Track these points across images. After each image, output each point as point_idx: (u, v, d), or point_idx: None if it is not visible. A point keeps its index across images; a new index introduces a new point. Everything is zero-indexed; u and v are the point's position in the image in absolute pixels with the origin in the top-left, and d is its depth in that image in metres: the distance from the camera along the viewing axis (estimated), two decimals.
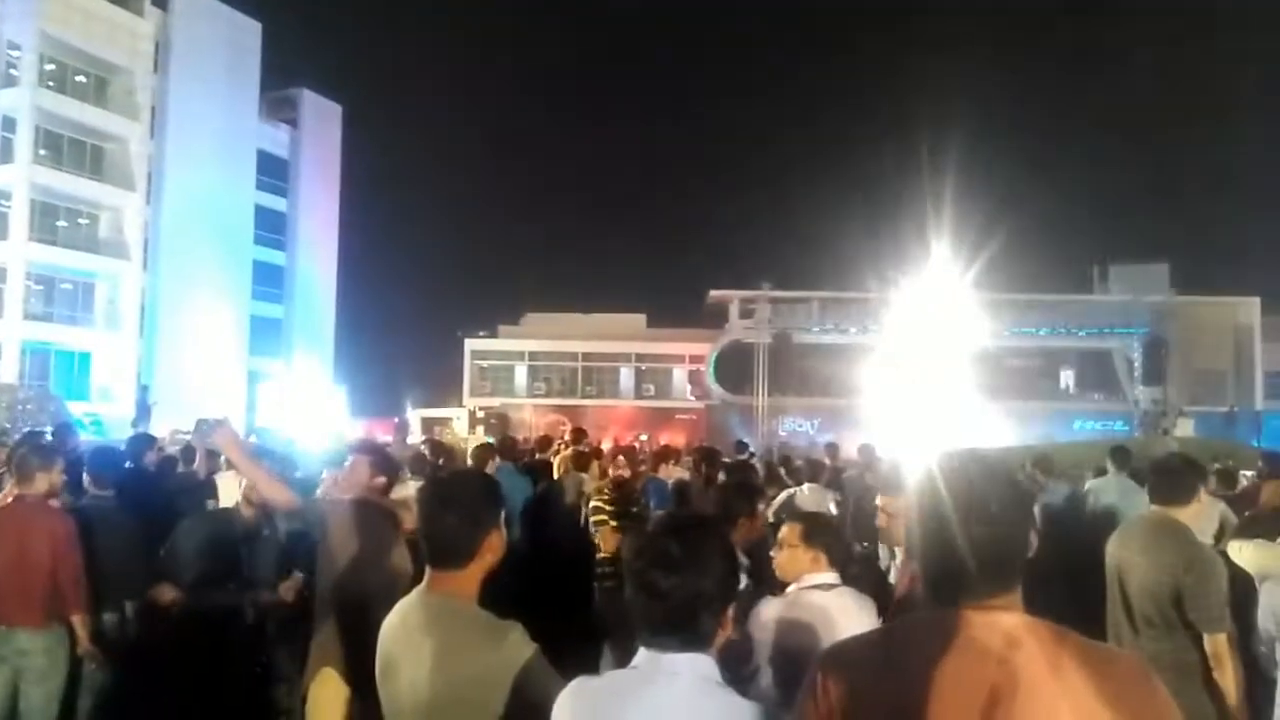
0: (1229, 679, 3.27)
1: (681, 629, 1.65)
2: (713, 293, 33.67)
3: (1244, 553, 3.80)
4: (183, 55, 33.18)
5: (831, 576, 2.93)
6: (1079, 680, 1.31)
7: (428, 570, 2.16)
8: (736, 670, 2.96)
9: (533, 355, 34.62)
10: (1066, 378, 34.18)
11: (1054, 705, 1.30)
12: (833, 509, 6.37)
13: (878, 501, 3.33)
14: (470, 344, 34.85)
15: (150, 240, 32.71)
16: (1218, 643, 3.28)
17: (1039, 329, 32.04)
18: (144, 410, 22.07)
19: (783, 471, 8.52)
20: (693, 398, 33.59)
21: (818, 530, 3.05)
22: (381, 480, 3.84)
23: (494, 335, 35.80)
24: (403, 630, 2.12)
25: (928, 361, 25.42)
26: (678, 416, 31.91)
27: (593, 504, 5.98)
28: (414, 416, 28.94)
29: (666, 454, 8.36)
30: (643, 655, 1.67)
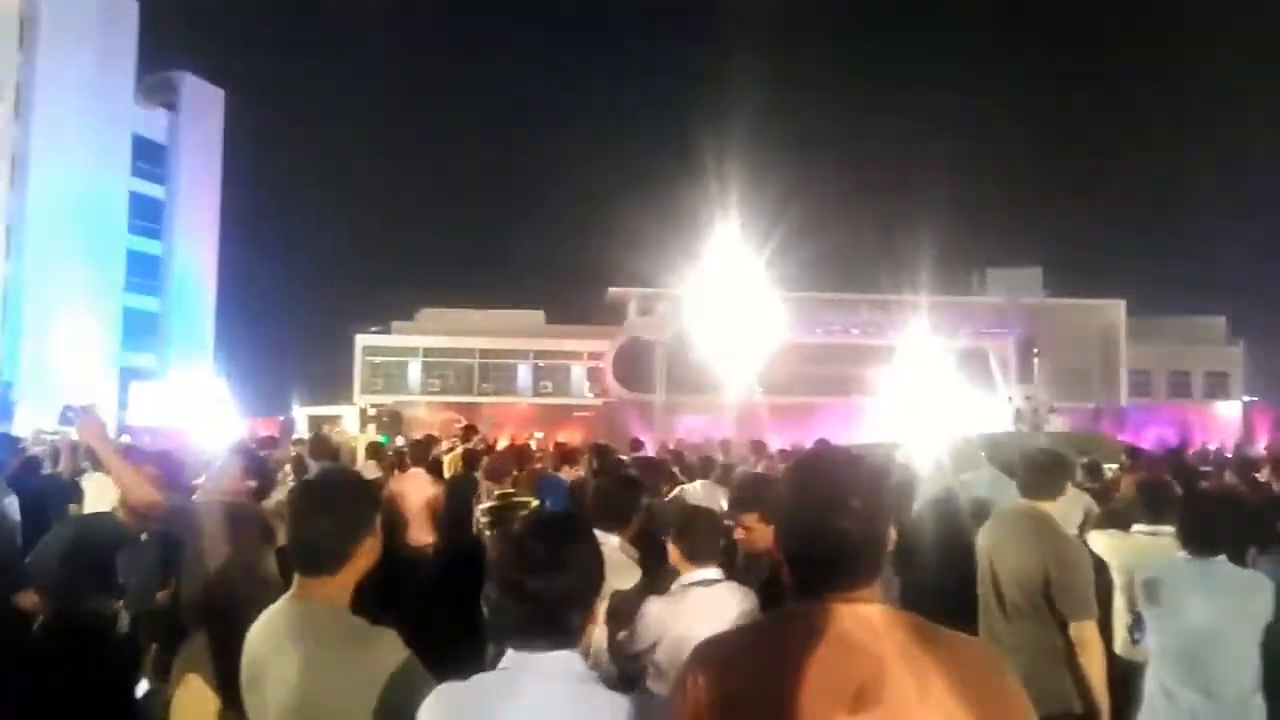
0: (1094, 663, 3.44)
1: (550, 629, 1.64)
2: (612, 290, 33.74)
3: (1099, 542, 4.02)
4: (51, 33, 31.21)
5: (714, 572, 2.95)
6: (935, 669, 1.36)
7: (296, 577, 2.08)
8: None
9: (428, 352, 33.91)
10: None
11: (912, 694, 1.34)
12: (724, 504, 6.44)
13: (740, 518, 3.38)
14: (362, 340, 33.88)
15: (13, 228, 30.68)
16: (1084, 629, 3.44)
17: (922, 329, 33.38)
18: (5, 408, 20.75)
19: (676, 469, 8.58)
20: (592, 395, 33.57)
21: (701, 526, 3.07)
22: (252, 483, 3.69)
23: (387, 331, 34.91)
24: (270, 638, 2.03)
25: (820, 358, 26.16)
26: (576, 414, 31.82)
27: (485, 505, 5.88)
28: (301, 414, 27.99)
29: (568, 454, 8.30)
30: (510, 657, 1.66)
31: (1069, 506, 5.59)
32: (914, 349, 27.69)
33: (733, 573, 3.18)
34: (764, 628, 1.54)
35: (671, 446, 13.05)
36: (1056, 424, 23.89)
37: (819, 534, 1.45)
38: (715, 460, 8.69)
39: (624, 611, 2.90)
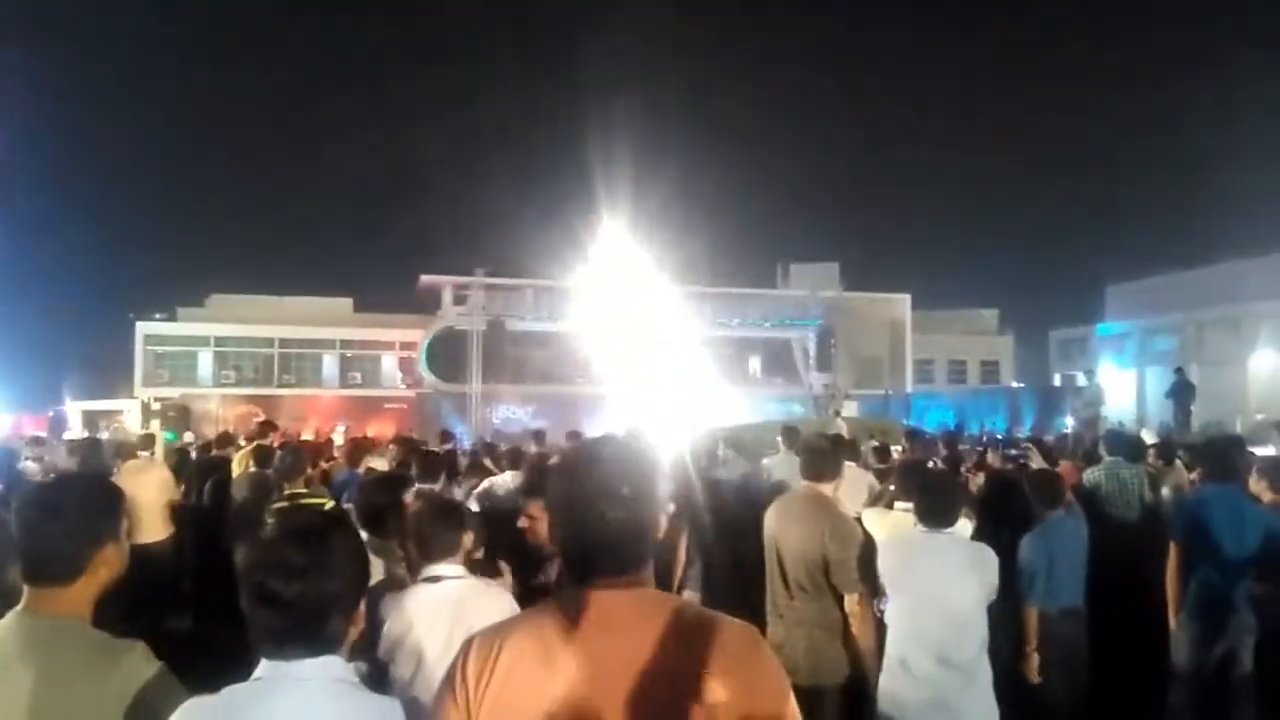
0: (865, 633, 3.68)
1: (308, 635, 1.57)
2: (424, 278, 32.77)
3: (868, 520, 4.32)
4: None
5: (451, 569, 2.91)
6: (696, 650, 1.41)
7: (26, 589, 1.88)
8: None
9: (220, 341, 31.59)
10: (754, 365, 37.25)
11: (673, 675, 1.39)
12: None
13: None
14: (144, 327, 31.10)
15: None
16: (854, 601, 3.68)
17: (732, 320, 34.70)
18: None
19: (488, 460, 8.46)
20: (404, 386, 32.51)
21: (438, 523, 3.01)
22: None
23: (173, 318, 32.27)
24: None
25: (633, 350, 26.58)
26: (387, 406, 30.68)
27: (278, 506, 5.56)
28: (73, 409, 25.47)
29: (364, 446, 7.99)
30: (265, 666, 1.57)
31: (855, 487, 6.00)
32: (701, 340, 28.66)
33: (524, 563, 3.17)
34: (532, 618, 1.54)
35: (488, 438, 12.90)
36: (851, 410, 25.46)
37: (590, 521, 1.47)
38: (526, 452, 8.65)
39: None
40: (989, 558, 3.57)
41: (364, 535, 3.56)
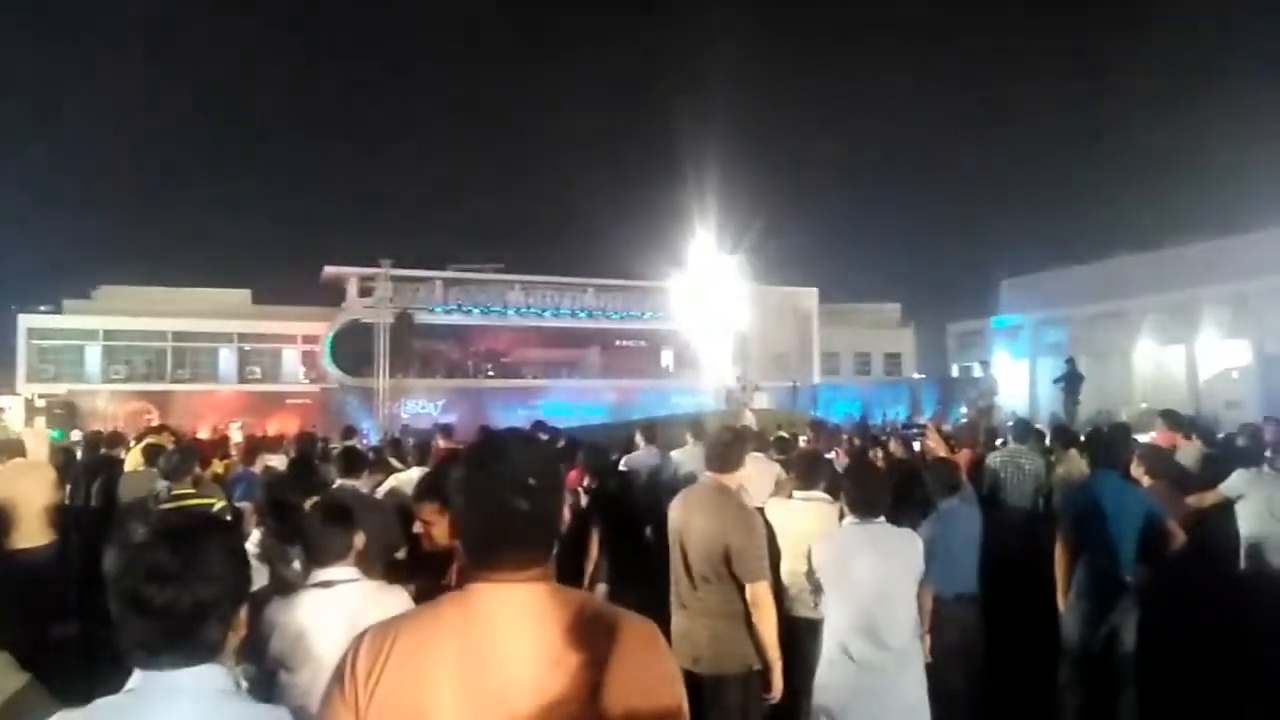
0: (767, 622, 3.71)
1: (183, 645, 1.49)
2: (328, 269, 31.78)
3: (769, 509, 4.37)
4: None
5: (344, 572, 2.82)
6: (591, 645, 1.41)
7: None
8: None
9: (109, 334, 29.97)
10: (667, 357, 37.49)
11: (567, 669, 1.39)
12: None
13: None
14: (26, 320, 29.28)
15: None
16: (757, 590, 3.70)
17: (644, 313, 34.80)
18: None
19: (393, 459, 8.25)
20: (307, 381, 31.50)
21: (327, 527, 2.91)
22: None
23: (58, 310, 30.51)
24: None
25: (547, 343, 26.44)
26: (289, 401, 29.67)
27: (164, 509, 5.29)
28: None
29: (261, 444, 7.68)
30: (138, 677, 1.48)
31: (763, 477, 6.06)
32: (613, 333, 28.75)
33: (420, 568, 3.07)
34: (427, 611, 1.51)
35: (396, 434, 12.57)
36: (762, 401, 25.86)
37: (494, 514, 1.46)
38: (434, 447, 8.46)
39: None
40: (916, 543, 3.76)
41: (256, 536, 3.43)
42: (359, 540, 2.85)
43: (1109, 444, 5.41)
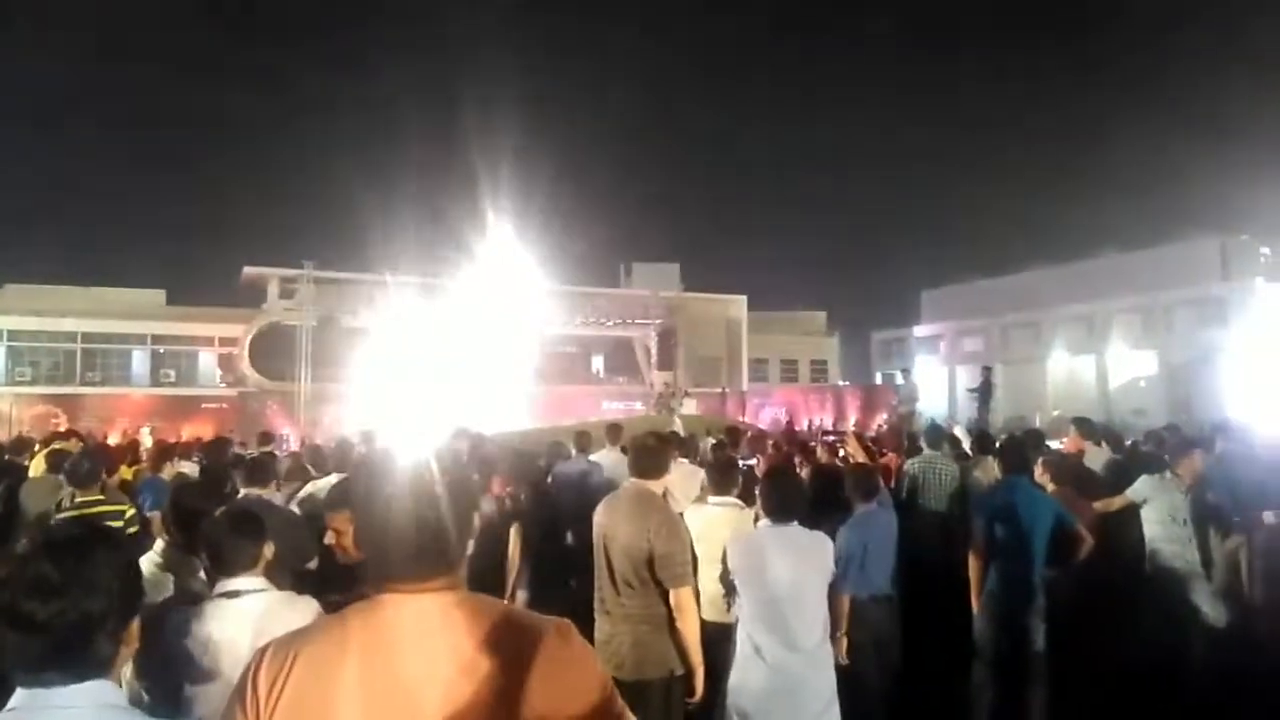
0: (690, 627, 3.72)
1: (70, 660, 1.42)
2: (248, 269, 30.91)
3: (686, 514, 4.39)
4: None
5: (251, 582, 2.74)
6: (503, 653, 1.38)
7: None
8: None
9: (13, 334, 28.59)
10: (598, 363, 37.48)
11: (479, 679, 1.35)
12: None
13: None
14: None
15: None
16: (681, 595, 3.71)
17: (576, 319, 34.75)
18: None
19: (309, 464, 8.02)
20: (224, 385, 30.54)
21: (234, 534, 2.80)
22: None
23: None
24: None
25: (475, 347, 26.14)
26: (205, 406, 28.74)
27: (65, 517, 5.05)
28: None
29: (171, 450, 7.40)
30: (21, 695, 1.40)
31: (689, 483, 6.07)
32: (545, 338, 28.60)
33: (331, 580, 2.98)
34: (332, 624, 1.46)
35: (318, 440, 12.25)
36: (691, 407, 26.03)
37: (400, 522, 1.42)
38: (356, 452, 8.27)
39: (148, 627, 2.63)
40: (828, 545, 3.85)
41: (160, 545, 3.29)
42: (268, 550, 2.76)
43: (1021, 450, 5.58)
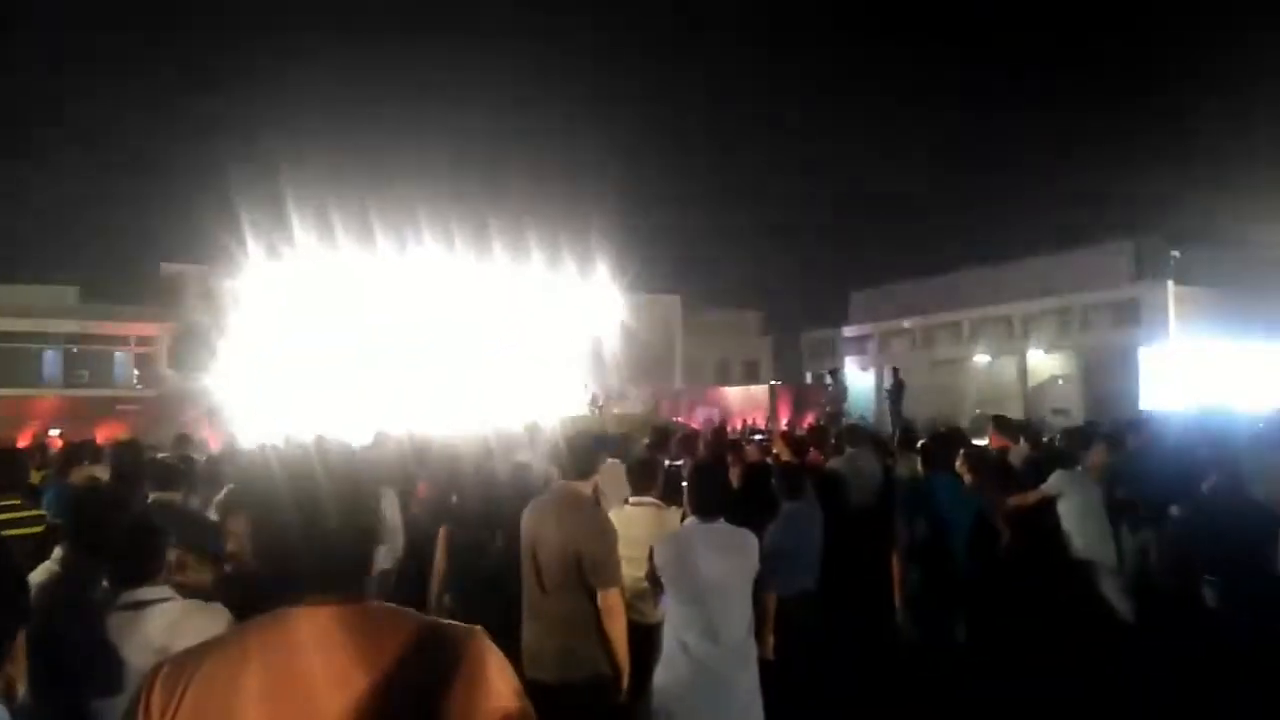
0: (618, 628, 3.71)
1: None
2: (166, 266, 29.88)
3: (612, 515, 4.38)
4: None
5: (164, 590, 2.64)
6: (414, 663, 1.34)
7: None
8: None
9: None
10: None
11: (391, 694, 1.31)
12: None
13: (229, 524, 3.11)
14: None
15: None
16: (609, 597, 3.70)
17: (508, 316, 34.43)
18: None
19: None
20: (141, 386, 29.44)
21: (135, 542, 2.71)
22: None
23: None
24: None
25: (402, 346, 25.72)
26: (120, 408, 27.65)
27: None
28: None
29: (79, 453, 7.07)
30: None
31: (619, 482, 6.06)
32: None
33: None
34: (231, 641, 1.40)
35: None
36: (624, 407, 26.05)
37: (305, 531, 1.36)
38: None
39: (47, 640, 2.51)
40: (753, 542, 3.87)
41: (58, 553, 3.13)
42: (172, 557, 2.65)
43: (943, 447, 5.71)
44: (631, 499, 4.67)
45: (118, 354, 30.02)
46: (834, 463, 7.02)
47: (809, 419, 21.01)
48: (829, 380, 24.56)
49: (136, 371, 29.75)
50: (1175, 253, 30.78)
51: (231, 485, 5.54)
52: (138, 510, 3.52)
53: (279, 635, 1.35)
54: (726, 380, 41.29)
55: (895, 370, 20.07)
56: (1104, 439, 6.81)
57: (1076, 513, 5.87)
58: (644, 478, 4.73)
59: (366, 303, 26.64)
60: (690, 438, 8.53)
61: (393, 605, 1.45)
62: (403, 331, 26.02)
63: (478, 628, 1.46)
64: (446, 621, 1.46)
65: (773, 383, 39.70)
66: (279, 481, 1.40)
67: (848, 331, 41.05)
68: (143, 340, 29.51)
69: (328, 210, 25.14)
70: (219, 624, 2.58)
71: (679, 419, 26.27)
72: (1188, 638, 4.65)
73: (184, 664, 1.35)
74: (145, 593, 2.60)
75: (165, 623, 2.56)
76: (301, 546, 1.36)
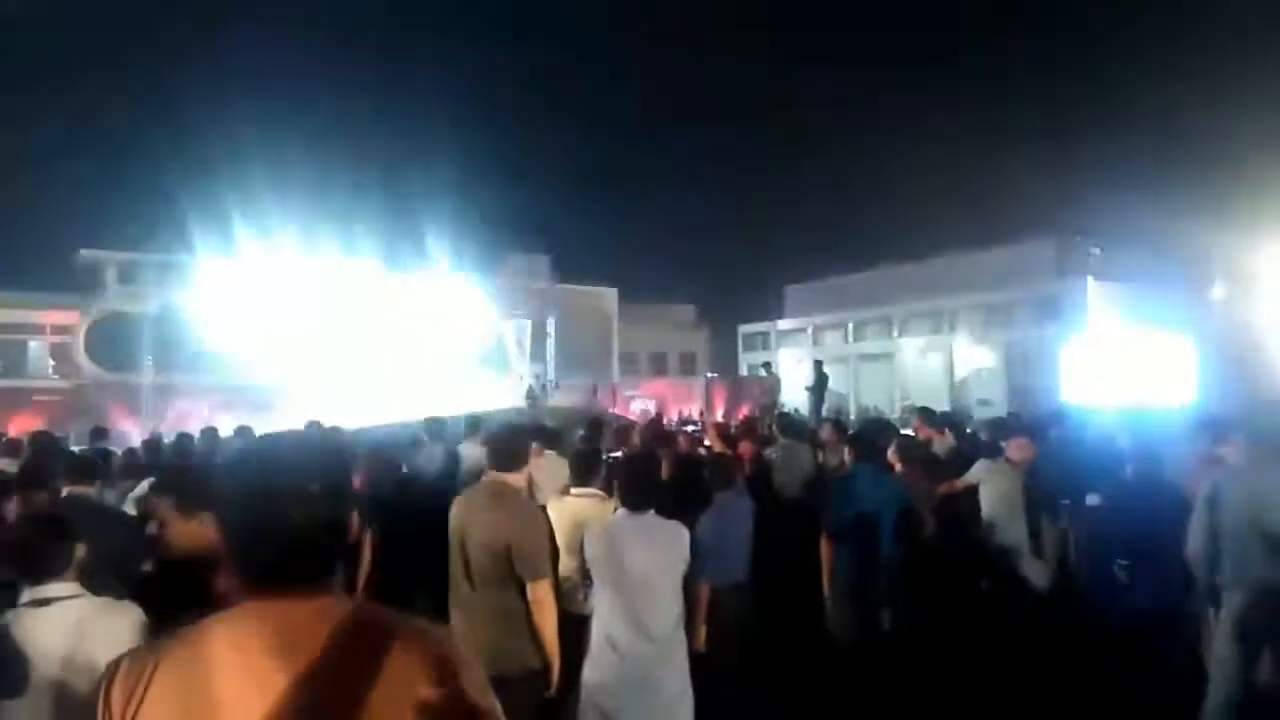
0: (548, 621, 3.69)
1: None
2: (84, 252, 28.75)
3: (550, 506, 4.37)
4: None
5: (71, 587, 2.56)
6: (386, 660, 1.31)
7: None
8: None
9: None
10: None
11: (355, 690, 1.29)
12: None
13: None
14: None
15: None
16: (539, 589, 3.67)
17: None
18: None
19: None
20: (57, 376, 28.29)
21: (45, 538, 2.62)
22: None
23: None
24: None
25: (327, 338, 25.25)
26: (36, 399, 26.54)
27: None
28: None
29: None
30: None
31: (555, 474, 6.04)
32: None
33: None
34: (195, 635, 1.35)
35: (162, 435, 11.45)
36: (561, 399, 25.96)
37: (273, 525, 1.32)
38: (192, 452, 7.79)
39: None
40: (683, 534, 3.86)
41: None
42: (80, 552, 2.56)
43: (870, 438, 5.83)
44: (574, 490, 4.65)
45: (32, 343, 28.79)
46: (767, 453, 7.11)
47: (744, 411, 21.22)
48: (763, 373, 24.86)
49: (53, 361, 28.57)
50: (1096, 250, 31.87)
51: (152, 480, 5.36)
52: (47, 504, 3.39)
53: (244, 631, 1.31)
54: (663, 373, 41.45)
55: (818, 363, 20.44)
56: (1025, 430, 7.03)
57: (996, 500, 6.05)
58: (587, 468, 4.73)
59: (290, 296, 26.05)
60: (625, 429, 8.53)
61: (365, 602, 1.43)
62: (328, 324, 25.51)
63: (448, 626, 1.45)
64: (417, 618, 1.44)
65: (709, 375, 40.02)
66: (247, 473, 1.37)
67: (783, 325, 41.54)
68: (59, 329, 28.34)
69: (256, 199, 24.47)
70: (131, 622, 2.50)
71: (615, 411, 26.30)
72: (1095, 614, 4.85)
73: (146, 657, 1.33)
74: (51, 589, 2.50)
75: (73, 621, 2.47)
76: (270, 541, 1.33)
